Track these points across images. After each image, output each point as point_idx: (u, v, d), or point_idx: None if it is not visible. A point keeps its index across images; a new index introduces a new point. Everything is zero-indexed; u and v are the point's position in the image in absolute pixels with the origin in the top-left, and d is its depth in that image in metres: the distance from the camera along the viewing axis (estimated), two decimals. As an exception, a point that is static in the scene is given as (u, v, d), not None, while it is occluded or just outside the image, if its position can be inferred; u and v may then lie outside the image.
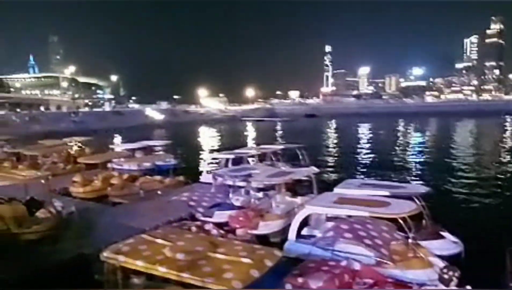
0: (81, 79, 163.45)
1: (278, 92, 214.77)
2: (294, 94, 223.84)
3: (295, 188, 14.21)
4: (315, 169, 14.49)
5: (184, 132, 66.92)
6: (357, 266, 7.15)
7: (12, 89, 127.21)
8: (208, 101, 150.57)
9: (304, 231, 9.47)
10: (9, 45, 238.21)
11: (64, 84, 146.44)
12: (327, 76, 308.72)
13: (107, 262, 6.07)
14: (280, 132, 67.17)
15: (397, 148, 38.72)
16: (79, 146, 28.56)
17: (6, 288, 7.99)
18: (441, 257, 7.86)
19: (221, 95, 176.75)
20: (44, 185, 12.73)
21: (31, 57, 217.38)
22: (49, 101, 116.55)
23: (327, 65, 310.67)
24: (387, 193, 9.45)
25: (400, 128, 70.13)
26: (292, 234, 9.04)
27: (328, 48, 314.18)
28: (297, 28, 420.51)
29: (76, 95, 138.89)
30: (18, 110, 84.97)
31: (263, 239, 10.25)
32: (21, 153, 23.62)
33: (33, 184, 12.67)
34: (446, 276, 6.84)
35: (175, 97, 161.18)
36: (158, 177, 17.32)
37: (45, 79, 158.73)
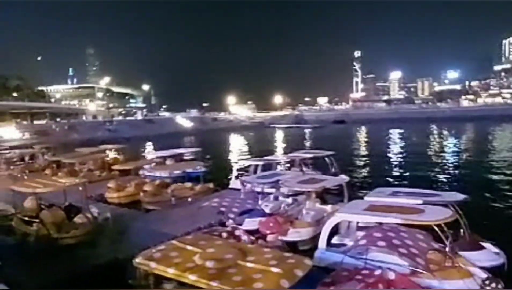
0: (115, 89, 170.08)
1: (306, 99, 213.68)
2: (322, 100, 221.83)
3: (324, 196, 14.03)
4: (346, 178, 14.27)
5: (213, 139, 67.83)
6: (391, 276, 6.91)
7: (52, 99, 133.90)
8: (237, 108, 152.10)
9: (335, 240, 9.28)
10: (50, 58, 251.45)
11: (100, 94, 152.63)
12: (356, 82, 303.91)
13: (140, 267, 6.21)
14: (309, 139, 66.65)
15: (431, 154, 37.37)
16: (113, 154, 29.66)
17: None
18: (482, 268, 7.47)
19: (249, 102, 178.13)
20: (81, 191, 13.27)
21: (70, 69, 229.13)
22: (85, 111, 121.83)
23: (356, 70, 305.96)
24: (420, 201, 9.12)
25: (434, 133, 67.70)
26: (322, 242, 8.88)
27: (357, 54, 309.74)
28: (326, 34, 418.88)
29: (111, 105, 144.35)
30: (58, 119, 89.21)
31: (292, 246, 10.17)
32: (60, 161, 24.76)
33: (72, 190, 13.25)
34: (488, 288, 6.49)
35: (204, 104, 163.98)
36: (188, 184, 17.63)
37: (82, 89, 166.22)
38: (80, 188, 13.47)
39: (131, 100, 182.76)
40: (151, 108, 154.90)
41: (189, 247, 6.28)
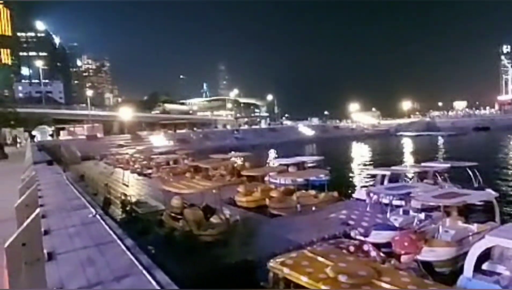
0: (242, 100, 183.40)
1: (439, 104, 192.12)
2: (459, 104, 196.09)
3: (466, 213, 12.39)
4: (494, 193, 12.33)
5: (335, 147, 66.63)
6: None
7: (190, 111, 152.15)
8: (360, 116, 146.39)
9: (485, 266, 8.05)
10: (189, 75, 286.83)
11: (229, 105, 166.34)
12: (505, 81, 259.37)
13: (272, 271, 6.49)
14: (443, 148, 59.70)
15: None
16: (241, 160, 31.92)
17: (190, 282, 9.39)
18: None
19: (373, 109, 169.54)
20: (215, 194, 14.66)
21: (204, 84, 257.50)
22: (217, 121, 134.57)
23: (505, 67, 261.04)
24: None
25: None
26: (468, 268, 7.79)
27: (506, 48, 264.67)
28: (461, 29, 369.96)
29: (238, 115, 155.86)
30: (195, 128, 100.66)
31: (426, 267, 9.24)
32: (198, 166, 27.82)
33: (207, 193, 14.74)
34: None
35: (326, 113, 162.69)
36: (312, 192, 17.71)
37: (214, 101, 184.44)
38: (214, 191, 14.91)
39: (256, 110, 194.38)
40: (274, 117, 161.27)
41: (320, 258, 6.27)
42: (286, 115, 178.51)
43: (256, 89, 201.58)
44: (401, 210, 12.88)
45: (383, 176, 17.99)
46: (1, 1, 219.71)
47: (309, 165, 26.70)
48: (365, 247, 9.12)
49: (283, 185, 19.73)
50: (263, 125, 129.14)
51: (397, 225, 11.47)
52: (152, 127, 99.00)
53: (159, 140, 72.52)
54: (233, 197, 18.61)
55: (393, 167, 19.25)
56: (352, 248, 9.06)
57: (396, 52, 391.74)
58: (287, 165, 25.02)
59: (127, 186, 25.57)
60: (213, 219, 13.15)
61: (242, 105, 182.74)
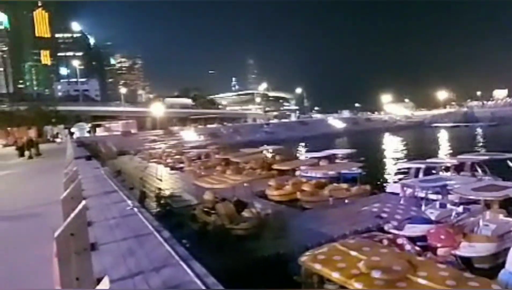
0: (271, 94, 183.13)
1: (478, 93, 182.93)
2: (500, 93, 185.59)
3: (507, 206, 11.80)
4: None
5: (366, 140, 65.19)
6: None
7: (220, 106, 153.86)
8: (392, 107, 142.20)
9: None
10: (218, 70, 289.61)
11: (258, 99, 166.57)
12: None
13: (304, 266, 6.49)
14: (482, 139, 56.98)
15: None
16: (271, 154, 31.95)
17: (224, 275, 9.59)
18: None
19: (406, 100, 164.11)
20: (247, 188, 14.81)
21: (233, 79, 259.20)
22: (246, 115, 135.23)
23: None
24: None
25: None
26: (511, 263, 7.47)
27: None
28: (502, 16, 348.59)
29: (267, 108, 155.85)
30: (224, 123, 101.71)
31: (465, 263, 8.93)
32: (229, 159, 28.15)
33: (239, 187, 14.91)
34: None
35: (357, 105, 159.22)
36: (344, 185, 17.50)
37: (243, 96, 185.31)
38: (245, 185, 15.05)
39: (285, 104, 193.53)
40: (304, 110, 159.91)
41: (352, 252, 6.18)
42: (316, 108, 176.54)
43: (285, 83, 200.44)
44: (437, 203, 12.48)
45: (418, 169, 17.48)
46: (40, 5, 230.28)
47: (340, 158, 26.35)
48: (399, 241, 8.94)
49: (314, 179, 19.61)
50: (293, 118, 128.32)
51: (433, 218, 11.13)
52: (183, 122, 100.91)
53: (190, 135, 73.90)
54: (264, 191, 18.69)
55: (428, 160, 18.63)
56: (385, 242, 8.90)
57: (431, 41, 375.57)
58: (318, 159, 24.82)
59: (160, 180, 26.30)
60: (245, 213, 13.31)
61: (271, 98, 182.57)
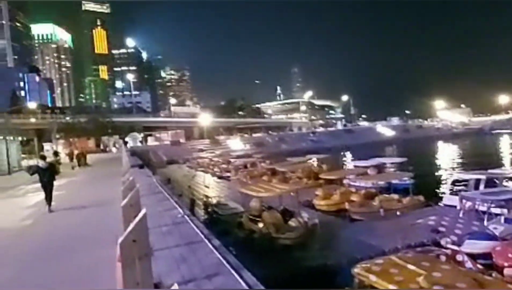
0: (316, 102, 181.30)
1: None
2: None
3: None
4: None
5: (418, 149, 62.11)
6: None
7: (265, 115, 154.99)
8: (446, 114, 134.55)
9: None
10: (262, 79, 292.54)
11: (303, 107, 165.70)
12: None
13: (358, 277, 6.29)
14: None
15: None
16: (317, 163, 31.51)
17: (273, 284, 9.54)
18: None
19: (462, 105, 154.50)
20: (293, 197, 14.69)
21: (278, 87, 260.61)
22: (292, 123, 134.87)
23: None
24: None
25: None
26: None
27: None
28: None
29: (313, 117, 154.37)
30: (270, 132, 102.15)
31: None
32: (275, 169, 28.15)
33: (285, 196, 14.82)
34: None
35: (407, 112, 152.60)
36: (395, 196, 16.77)
37: (288, 104, 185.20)
38: (292, 194, 14.93)
39: (331, 112, 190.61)
40: (350, 118, 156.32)
41: (410, 266, 5.89)
42: (363, 115, 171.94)
43: (330, 90, 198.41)
44: (502, 218, 11.52)
45: (478, 180, 16.31)
46: (99, 24, 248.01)
47: (390, 167, 25.34)
48: (459, 257, 8.33)
49: (363, 188, 19.01)
50: (339, 126, 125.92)
51: (497, 234, 10.27)
52: (229, 131, 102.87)
53: (236, 144, 75.04)
54: (311, 200, 18.44)
55: (489, 171, 17.33)
56: (443, 258, 8.34)
57: (489, 43, 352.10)
58: (366, 168, 24.06)
59: (207, 188, 26.93)
60: (292, 222, 13.18)
61: (316, 107, 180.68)
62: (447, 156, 50.04)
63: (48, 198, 11.71)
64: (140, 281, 2.80)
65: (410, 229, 11.17)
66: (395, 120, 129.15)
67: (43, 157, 13.57)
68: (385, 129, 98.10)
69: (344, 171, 23.56)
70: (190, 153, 59.14)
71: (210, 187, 27.30)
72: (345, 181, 22.22)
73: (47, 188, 11.76)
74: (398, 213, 14.45)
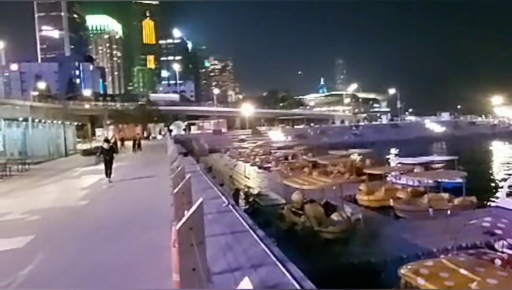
0: (361, 95, 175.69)
1: None
2: None
3: None
4: None
5: (470, 147, 58.42)
6: None
7: (307, 107, 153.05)
8: (504, 110, 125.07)
9: None
10: (306, 70, 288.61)
11: (347, 100, 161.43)
12: None
13: (404, 279, 6.08)
14: None
15: None
16: (360, 158, 30.69)
17: (313, 278, 9.49)
18: None
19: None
20: (335, 191, 14.44)
21: (321, 79, 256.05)
22: (334, 116, 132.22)
23: None
24: None
25: None
26: None
27: None
28: None
29: (356, 110, 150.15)
30: (311, 124, 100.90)
31: None
32: (316, 161, 27.83)
33: (327, 189, 14.60)
34: None
35: (459, 107, 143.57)
36: (445, 195, 15.98)
37: (331, 97, 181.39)
38: (334, 188, 14.68)
39: (375, 105, 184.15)
40: (396, 112, 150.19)
41: (462, 271, 5.58)
42: (410, 110, 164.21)
43: (375, 83, 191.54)
44: None
45: (540, 182, 15.14)
46: (148, 15, 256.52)
47: (438, 165, 24.14)
48: (517, 263, 7.81)
49: (408, 186, 18.31)
50: (384, 120, 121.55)
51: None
52: (271, 122, 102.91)
53: (277, 135, 74.99)
54: (353, 195, 18.08)
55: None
56: (498, 262, 7.86)
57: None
58: (413, 165, 23.09)
59: (248, 178, 27.20)
60: (334, 216, 12.99)
61: (360, 100, 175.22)
62: (503, 156, 46.70)
63: (109, 173, 14.71)
64: (196, 268, 2.90)
65: (461, 230, 10.60)
66: (446, 116, 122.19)
67: (107, 141, 16.84)
68: (434, 125, 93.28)
69: (389, 167, 22.76)
70: (231, 142, 59.96)
71: (250, 178, 27.57)
72: (388, 178, 21.52)
73: (109, 165, 14.80)
74: (448, 213, 13.76)
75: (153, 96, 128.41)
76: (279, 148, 44.21)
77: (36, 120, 25.67)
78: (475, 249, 9.63)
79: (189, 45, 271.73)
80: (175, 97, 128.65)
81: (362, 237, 12.18)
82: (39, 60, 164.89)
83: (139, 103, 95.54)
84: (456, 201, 15.32)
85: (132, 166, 21.64)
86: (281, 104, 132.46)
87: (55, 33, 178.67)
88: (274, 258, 5.10)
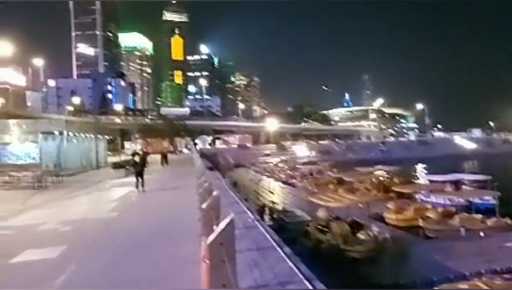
0: (387, 110, 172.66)
1: None
2: None
3: None
4: None
5: (504, 166, 55.67)
6: None
7: (332, 122, 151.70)
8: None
9: None
10: (331, 86, 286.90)
11: (373, 115, 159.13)
12: None
13: None
14: None
15: None
16: (387, 175, 29.98)
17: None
18: None
19: None
20: (361, 209, 14.22)
21: (346, 94, 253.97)
22: (360, 132, 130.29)
23: None
24: None
25: None
26: None
27: None
28: None
29: (382, 126, 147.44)
30: (336, 139, 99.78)
31: None
32: (341, 178, 27.45)
33: (353, 207, 14.38)
34: None
35: (491, 123, 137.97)
36: (478, 216, 15.36)
37: (356, 112, 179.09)
38: (361, 205, 14.44)
39: (402, 120, 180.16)
40: (424, 128, 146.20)
41: None
42: (439, 125, 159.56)
43: (402, 98, 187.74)
44: None
45: None
46: (177, 32, 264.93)
47: (470, 184, 23.25)
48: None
49: (438, 205, 17.73)
50: (412, 137, 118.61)
51: None
52: (295, 137, 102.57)
53: (302, 150, 74.66)
54: (381, 214, 17.65)
55: None
56: (537, 289, 7.47)
57: None
58: (443, 183, 22.38)
59: (272, 193, 27.14)
60: (361, 235, 12.78)
61: (386, 115, 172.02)
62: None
63: (141, 183, 15.73)
64: (226, 283, 2.96)
65: (496, 253, 10.18)
66: (477, 132, 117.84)
67: (138, 154, 18.82)
68: (464, 141, 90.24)
69: (418, 185, 22.18)
70: (256, 157, 60.16)
71: (275, 193, 27.49)
72: (417, 196, 20.92)
73: (140, 175, 15.85)
74: (482, 234, 13.21)
75: (164, 110, 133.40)
76: (303, 163, 44.01)
77: (71, 134, 26.78)
78: (510, 273, 9.19)
79: (216, 61, 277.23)
80: (186, 111, 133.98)
81: (391, 257, 11.89)
82: (75, 76, 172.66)
83: (149, 117, 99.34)
84: (490, 222, 14.69)
85: (161, 179, 22.17)
86: (306, 119, 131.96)
87: (90, 51, 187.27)
88: (301, 276, 5.09)
